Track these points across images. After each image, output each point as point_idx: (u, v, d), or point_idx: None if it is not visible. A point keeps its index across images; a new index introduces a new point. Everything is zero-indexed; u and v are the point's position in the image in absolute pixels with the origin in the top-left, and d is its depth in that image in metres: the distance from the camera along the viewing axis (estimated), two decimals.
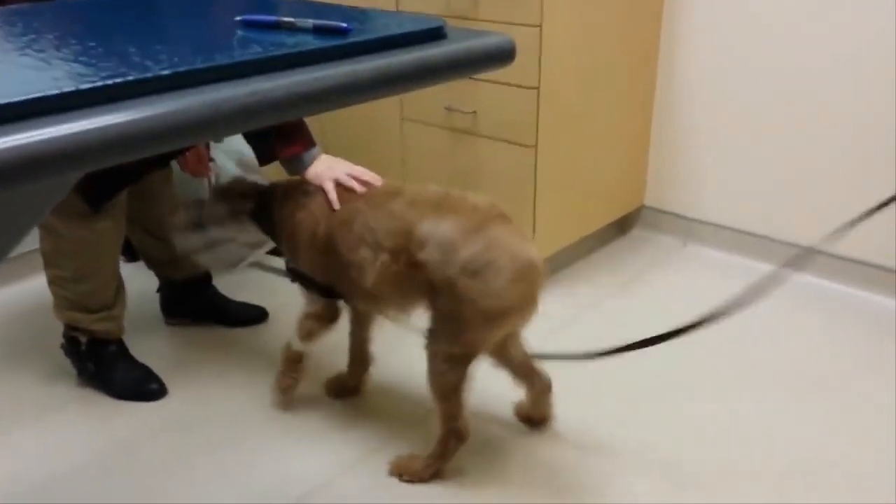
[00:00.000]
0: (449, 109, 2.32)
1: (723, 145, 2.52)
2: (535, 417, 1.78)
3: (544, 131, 2.19)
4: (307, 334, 1.76)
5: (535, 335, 2.12)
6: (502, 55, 1.01)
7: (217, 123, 0.76)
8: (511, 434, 1.78)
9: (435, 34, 0.97)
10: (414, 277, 1.50)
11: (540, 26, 2.06)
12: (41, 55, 0.82)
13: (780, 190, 2.45)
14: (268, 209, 1.73)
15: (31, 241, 2.29)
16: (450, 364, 1.52)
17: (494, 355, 1.67)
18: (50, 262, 1.86)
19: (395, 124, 2.49)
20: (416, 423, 1.82)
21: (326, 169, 1.67)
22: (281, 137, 1.69)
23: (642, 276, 2.48)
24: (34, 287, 2.43)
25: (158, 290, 2.25)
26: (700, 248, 2.65)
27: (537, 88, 2.12)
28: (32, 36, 0.91)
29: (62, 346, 1.97)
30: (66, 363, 1.98)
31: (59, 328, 1.95)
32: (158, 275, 2.20)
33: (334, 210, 1.62)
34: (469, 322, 1.47)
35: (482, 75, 2.21)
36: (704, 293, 2.33)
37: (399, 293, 1.56)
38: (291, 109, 0.81)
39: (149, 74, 0.74)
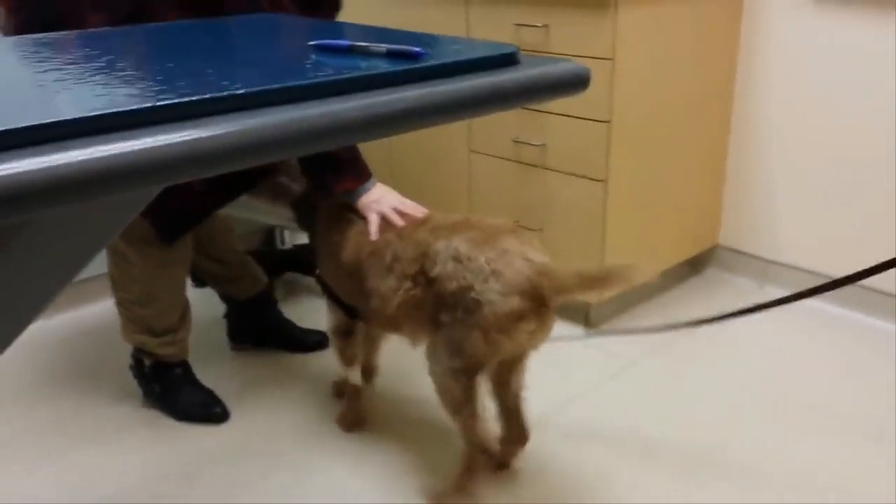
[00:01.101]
0: (517, 142, 2.30)
1: (802, 183, 2.44)
2: (496, 458, 1.72)
3: (615, 165, 2.15)
4: (345, 358, 1.83)
5: (600, 374, 2.09)
6: (576, 82, 0.98)
7: (288, 143, 0.75)
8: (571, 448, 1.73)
9: (508, 60, 0.96)
10: (429, 298, 1.51)
11: (612, 59, 2.03)
12: (120, 74, 0.83)
13: (862, 232, 2.34)
14: (309, 217, 1.82)
15: (104, 264, 2.36)
16: (454, 378, 1.51)
17: (493, 382, 1.65)
18: (118, 286, 1.90)
19: (462, 156, 2.49)
20: None
21: (375, 201, 1.67)
22: (335, 172, 1.69)
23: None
24: (108, 308, 2.50)
25: (225, 316, 2.28)
26: (777, 291, 2.55)
27: (609, 122, 2.09)
28: (112, 56, 0.93)
29: (130, 368, 2.01)
30: (134, 384, 2.01)
31: (128, 350, 1.98)
32: (221, 295, 2.23)
33: (368, 240, 1.63)
34: (479, 328, 1.45)
35: (552, 108, 2.19)
36: (780, 340, 2.26)
37: (416, 319, 1.57)
38: (363, 132, 0.80)
39: (224, 93, 0.74)
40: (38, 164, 0.60)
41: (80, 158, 0.62)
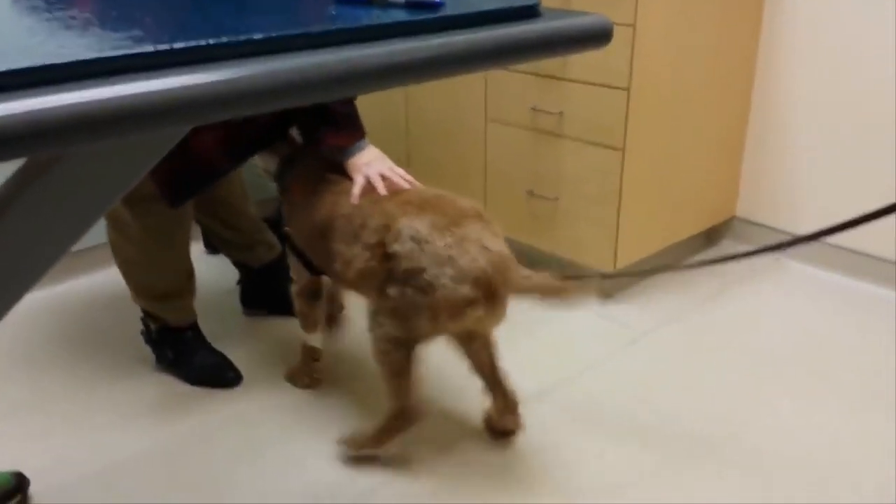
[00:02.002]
0: (535, 110, 2.28)
1: (822, 155, 2.40)
2: (497, 429, 1.75)
3: (633, 134, 2.12)
4: (309, 323, 1.87)
5: (613, 345, 2.09)
6: (598, 35, 0.96)
7: (306, 89, 0.74)
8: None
9: (529, 12, 0.94)
10: (383, 270, 1.52)
11: (633, 25, 2.00)
12: (139, 21, 0.82)
13: (881, 204, 2.31)
14: (287, 173, 1.80)
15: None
16: (394, 345, 1.54)
17: (468, 359, 1.68)
18: (118, 250, 1.88)
19: (479, 125, 2.47)
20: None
21: (365, 163, 1.66)
22: (330, 126, 1.67)
23: (729, 290, 2.38)
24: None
25: (238, 283, 2.28)
26: (793, 263, 2.53)
27: (628, 89, 2.06)
28: (128, 7, 0.92)
29: (142, 333, 2.01)
30: (147, 350, 2.02)
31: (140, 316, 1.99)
32: (235, 262, 2.23)
33: (344, 201, 1.63)
34: (429, 310, 1.47)
35: (570, 74, 2.16)
36: (795, 312, 2.24)
37: (369, 286, 1.57)
38: (381, 80, 0.79)
39: (242, 38, 0.73)
40: (59, 102, 0.60)
41: (96, 98, 0.61)
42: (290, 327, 2.20)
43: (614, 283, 2.35)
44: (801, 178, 2.47)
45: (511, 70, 2.31)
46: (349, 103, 1.70)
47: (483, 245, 1.47)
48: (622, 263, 2.26)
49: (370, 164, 1.65)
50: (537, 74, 2.24)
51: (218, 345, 2.01)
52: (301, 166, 1.78)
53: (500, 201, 2.48)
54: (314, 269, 1.79)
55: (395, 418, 1.60)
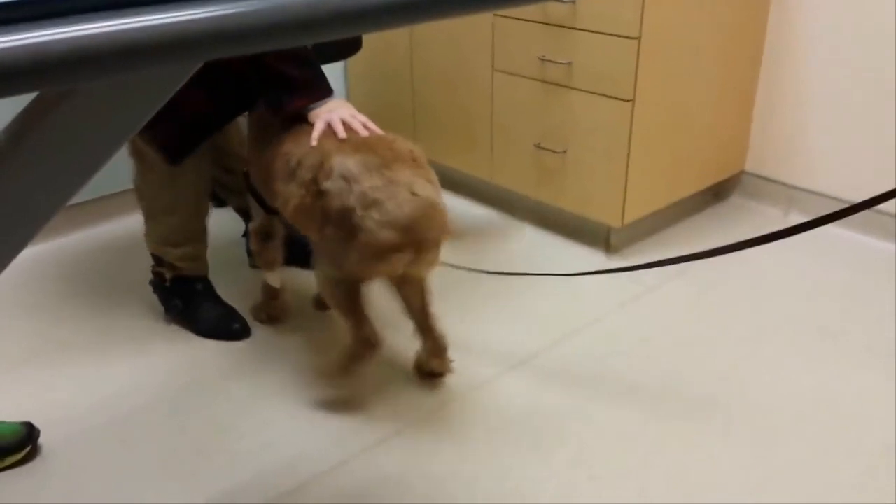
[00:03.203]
0: (543, 60, 2.24)
1: (833, 109, 2.37)
2: (425, 371, 1.78)
3: (643, 85, 2.09)
4: (265, 262, 1.91)
5: (619, 297, 2.08)
6: None
7: (314, 26, 0.72)
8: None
9: None
10: (317, 209, 1.53)
11: None
12: None
13: (891, 158, 2.28)
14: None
15: (119, 182, 2.35)
16: (335, 285, 1.57)
17: (401, 301, 1.70)
18: (143, 194, 1.90)
19: (486, 76, 2.43)
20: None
21: (327, 110, 1.64)
22: (292, 93, 1.65)
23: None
24: (125, 226, 2.50)
25: (244, 235, 2.27)
26: (803, 218, 2.50)
27: (638, 39, 2.02)
28: None
29: (151, 283, 2.01)
30: (155, 300, 2.02)
31: (148, 266, 1.99)
32: (238, 209, 2.22)
33: (292, 143, 1.61)
34: (356, 252, 1.48)
35: (580, 23, 2.12)
36: (803, 268, 2.23)
37: (308, 225, 1.58)
38: (392, 16, 0.77)
39: None
40: (62, 35, 0.58)
41: (100, 30, 0.60)
42: (294, 278, 2.20)
43: (622, 237, 2.34)
44: (812, 131, 2.43)
45: (519, 18, 2.26)
46: (308, 67, 1.67)
47: (412, 190, 1.46)
48: (630, 218, 2.24)
49: (333, 110, 1.64)
50: (546, 23, 2.20)
51: (226, 297, 2.01)
52: (258, 112, 1.79)
53: (506, 154, 2.45)
54: (269, 209, 1.81)
55: (353, 349, 1.63)
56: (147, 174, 1.86)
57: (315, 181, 1.52)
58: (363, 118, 1.65)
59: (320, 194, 1.51)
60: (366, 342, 1.62)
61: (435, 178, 1.55)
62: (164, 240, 1.92)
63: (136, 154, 1.85)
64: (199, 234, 1.95)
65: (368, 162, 1.49)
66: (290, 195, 1.58)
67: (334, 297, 1.60)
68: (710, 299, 2.09)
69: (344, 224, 1.47)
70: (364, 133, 1.60)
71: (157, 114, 1.47)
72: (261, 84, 1.68)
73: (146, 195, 1.90)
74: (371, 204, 1.44)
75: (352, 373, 1.65)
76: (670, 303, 2.07)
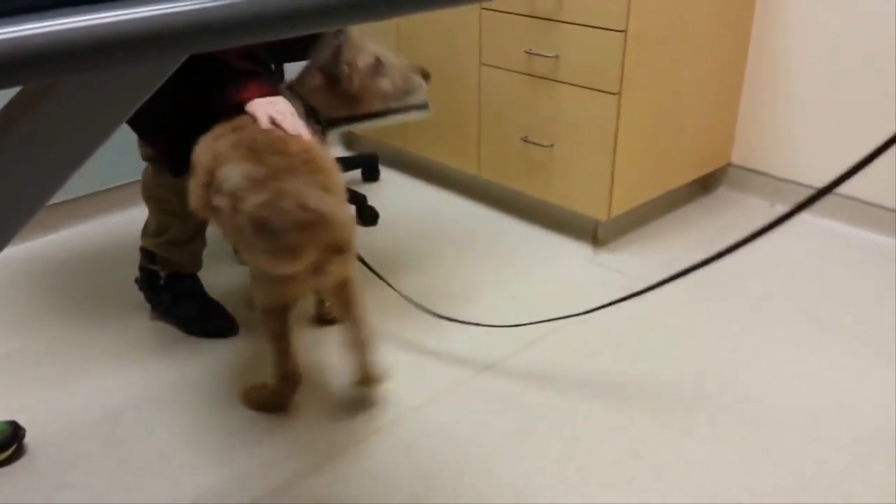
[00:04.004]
0: (530, 53, 2.23)
1: (819, 101, 2.38)
2: (358, 381, 1.68)
3: (629, 78, 2.09)
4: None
5: (606, 291, 2.08)
6: None
7: (298, 17, 0.71)
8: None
9: None
10: (214, 216, 1.47)
11: None
12: None
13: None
14: None
15: (99, 182, 2.34)
16: (263, 313, 1.55)
17: (334, 308, 1.64)
18: (150, 193, 1.89)
19: (473, 70, 2.42)
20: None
21: (267, 102, 1.57)
22: (234, 84, 1.60)
23: (723, 237, 2.37)
24: (107, 224, 2.48)
25: None
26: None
27: (624, 31, 2.02)
28: None
29: (136, 280, 2.00)
30: (141, 298, 2.01)
31: (132, 264, 1.97)
32: None
33: (209, 138, 1.53)
34: (260, 274, 1.45)
35: (566, 16, 2.12)
36: (789, 259, 2.24)
37: (226, 232, 1.51)
38: (379, 8, 0.76)
39: None
40: (44, 29, 0.57)
41: (79, 24, 0.59)
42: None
43: (609, 230, 2.34)
44: (798, 124, 2.44)
45: (505, 12, 2.26)
46: (259, 63, 1.63)
47: (302, 203, 1.34)
48: (616, 212, 2.25)
49: (272, 102, 1.57)
50: (533, 17, 2.19)
51: (214, 293, 2.00)
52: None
53: (494, 147, 2.45)
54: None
55: (278, 383, 1.63)
56: (159, 176, 1.84)
57: (207, 191, 1.44)
58: (296, 123, 1.56)
59: (213, 209, 1.45)
60: (287, 377, 1.61)
61: (335, 182, 1.44)
62: (167, 240, 1.90)
63: (148, 158, 1.84)
64: (201, 233, 1.94)
65: (255, 173, 1.38)
66: (192, 194, 1.50)
67: (264, 323, 1.57)
68: (698, 290, 2.10)
69: (245, 246, 1.42)
70: (290, 133, 1.52)
71: (160, 126, 1.45)
72: (212, 79, 1.62)
73: (155, 196, 1.88)
74: (260, 225, 1.35)
75: (277, 407, 1.66)
76: (658, 294, 2.08)
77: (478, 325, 1.90)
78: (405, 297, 1.95)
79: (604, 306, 1.64)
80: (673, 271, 1.42)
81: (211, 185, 1.44)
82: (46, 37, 0.57)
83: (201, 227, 1.93)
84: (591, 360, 1.83)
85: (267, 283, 1.48)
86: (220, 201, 1.42)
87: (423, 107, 1.88)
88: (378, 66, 1.74)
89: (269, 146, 1.44)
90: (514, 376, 1.78)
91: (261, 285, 1.49)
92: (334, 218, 1.38)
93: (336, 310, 1.65)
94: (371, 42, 1.77)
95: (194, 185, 1.50)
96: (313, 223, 1.35)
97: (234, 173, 1.40)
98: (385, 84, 1.76)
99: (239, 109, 1.59)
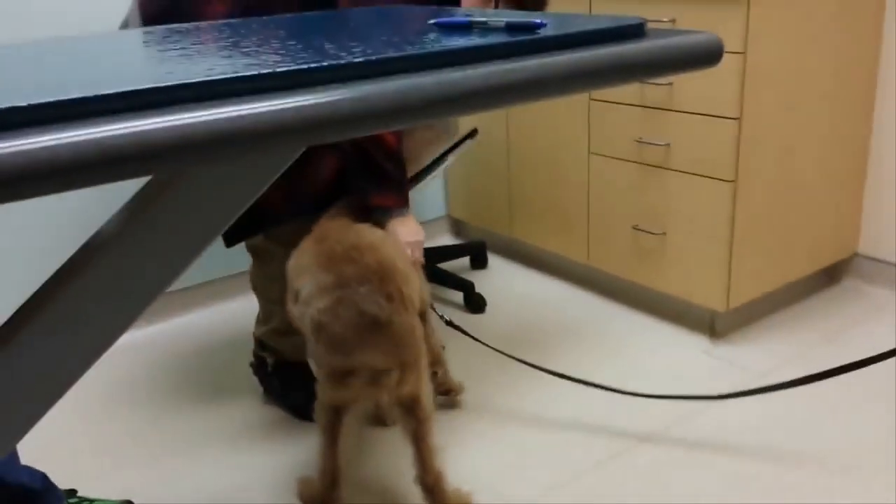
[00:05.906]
0: (640, 142, 2.22)
1: None
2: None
3: (745, 166, 2.03)
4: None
5: (727, 386, 1.98)
6: (708, 54, 0.92)
7: (405, 112, 0.73)
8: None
9: (634, 32, 0.91)
10: (300, 328, 1.53)
11: (744, 53, 1.93)
12: (244, 49, 0.84)
13: None
14: None
15: (204, 273, 2.45)
16: (321, 406, 1.53)
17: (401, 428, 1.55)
18: (255, 285, 1.96)
19: (582, 159, 2.43)
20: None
21: (409, 232, 1.69)
22: (376, 184, 1.68)
23: (850, 330, 2.23)
24: (231, 309, 2.59)
25: None
26: None
27: (738, 119, 1.98)
28: (238, 38, 0.95)
29: (251, 365, 2.06)
30: (254, 383, 2.06)
31: (246, 350, 2.03)
32: None
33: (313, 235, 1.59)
34: (319, 373, 1.47)
35: (677, 105, 2.10)
36: None
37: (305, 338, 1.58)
38: (481, 101, 0.78)
39: (342, 61, 0.74)
40: (165, 123, 0.61)
41: (198, 119, 0.63)
42: None
43: (727, 321, 2.24)
44: None
45: (614, 101, 2.27)
46: (401, 168, 1.71)
47: (360, 309, 1.39)
48: (735, 302, 2.15)
49: (410, 229, 1.69)
50: (642, 106, 2.19)
51: None
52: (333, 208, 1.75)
53: (603, 237, 2.42)
54: None
55: (318, 479, 1.58)
56: (261, 267, 1.92)
57: (294, 302, 1.52)
58: (418, 255, 1.70)
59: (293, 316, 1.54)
60: (324, 472, 1.56)
61: (405, 292, 1.45)
62: (272, 328, 1.96)
63: (251, 248, 1.92)
64: None
65: (325, 281, 1.44)
66: (287, 304, 1.59)
67: (318, 416, 1.56)
68: (824, 384, 1.96)
69: (308, 345, 1.50)
70: (417, 262, 1.67)
71: None
72: (358, 171, 1.71)
73: (258, 286, 1.96)
74: (318, 327, 1.41)
75: (320, 501, 1.59)
76: (782, 391, 1.95)
77: (616, 391, 1.86)
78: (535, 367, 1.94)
79: (742, 394, 1.56)
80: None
81: (297, 297, 1.52)
82: (176, 130, 0.61)
83: None
84: (707, 459, 1.72)
85: (325, 382, 1.50)
86: (296, 310, 1.50)
87: (472, 134, 1.93)
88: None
89: (345, 256, 1.48)
90: (624, 476, 1.69)
91: (320, 383, 1.52)
92: (390, 325, 1.40)
93: (404, 433, 1.56)
94: None
95: (287, 299, 1.58)
96: (367, 327, 1.39)
97: (309, 283, 1.47)
98: (420, 134, 1.81)
99: (366, 209, 1.70)
